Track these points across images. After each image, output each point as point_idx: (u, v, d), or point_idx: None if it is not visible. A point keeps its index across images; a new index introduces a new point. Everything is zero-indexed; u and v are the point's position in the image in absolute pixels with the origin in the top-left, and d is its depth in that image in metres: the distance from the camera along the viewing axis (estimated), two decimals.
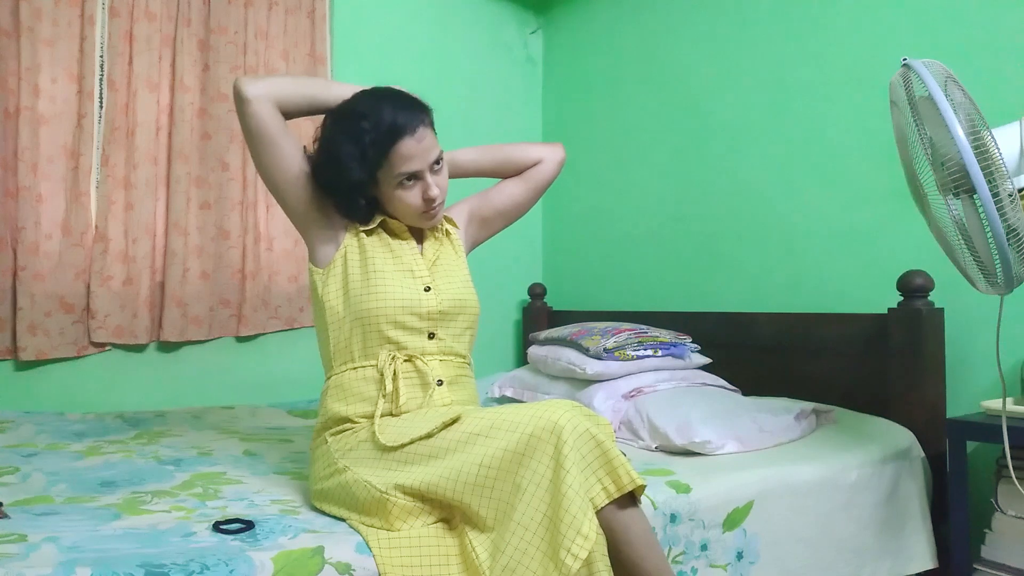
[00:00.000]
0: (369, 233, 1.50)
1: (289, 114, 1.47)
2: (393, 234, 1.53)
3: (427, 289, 1.47)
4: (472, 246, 1.71)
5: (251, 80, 1.43)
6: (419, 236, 1.58)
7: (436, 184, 1.46)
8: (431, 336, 1.47)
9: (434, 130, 1.48)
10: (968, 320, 2.00)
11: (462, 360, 1.52)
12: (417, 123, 1.41)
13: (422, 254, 1.54)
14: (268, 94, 1.42)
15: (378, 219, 1.51)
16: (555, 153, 1.74)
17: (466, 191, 1.76)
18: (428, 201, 1.46)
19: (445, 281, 1.51)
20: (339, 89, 1.50)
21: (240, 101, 1.42)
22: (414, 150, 1.41)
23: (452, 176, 1.67)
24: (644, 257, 2.99)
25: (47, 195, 2.39)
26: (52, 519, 1.26)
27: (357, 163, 1.41)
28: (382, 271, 1.44)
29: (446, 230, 1.61)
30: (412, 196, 1.45)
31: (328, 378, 1.49)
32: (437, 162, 1.46)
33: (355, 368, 1.44)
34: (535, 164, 1.71)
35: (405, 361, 1.43)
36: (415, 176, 1.44)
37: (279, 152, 1.45)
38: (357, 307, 1.42)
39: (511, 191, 1.71)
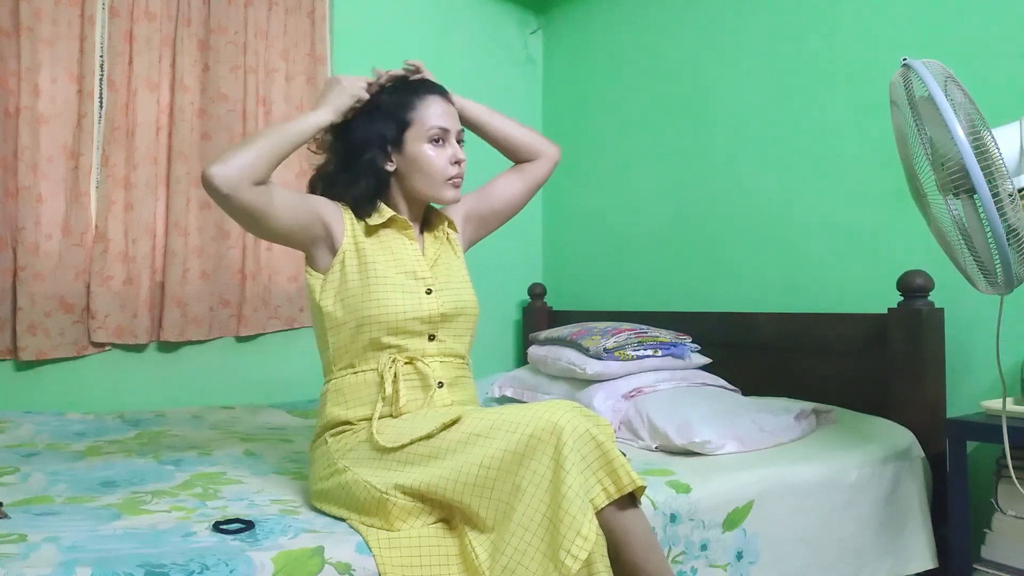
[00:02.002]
0: (369, 234, 1.48)
1: (263, 181, 1.34)
2: (398, 230, 1.51)
3: (428, 292, 1.47)
4: (468, 246, 1.71)
5: (219, 168, 1.27)
6: (420, 234, 1.58)
7: (463, 155, 1.50)
8: (431, 338, 1.46)
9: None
10: (968, 320, 2.00)
11: (461, 361, 1.52)
12: (445, 96, 1.52)
13: (423, 253, 1.53)
14: (241, 179, 1.29)
15: (387, 214, 1.49)
16: (553, 152, 1.75)
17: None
18: (454, 164, 1.48)
19: (446, 282, 1.51)
20: (306, 123, 1.41)
21: (217, 197, 1.30)
22: (445, 109, 1.50)
23: None
24: (644, 257, 2.99)
25: (47, 195, 2.39)
26: (52, 519, 1.26)
27: (388, 115, 1.46)
28: (383, 276, 1.43)
29: (446, 231, 1.61)
30: (441, 157, 1.47)
31: (327, 382, 1.48)
32: (461, 139, 1.53)
33: (355, 372, 1.44)
34: (534, 156, 1.71)
35: (406, 363, 1.42)
36: (444, 137, 1.47)
37: (272, 216, 1.37)
38: (356, 314, 1.41)
39: (508, 190, 1.71)
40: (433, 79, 1.56)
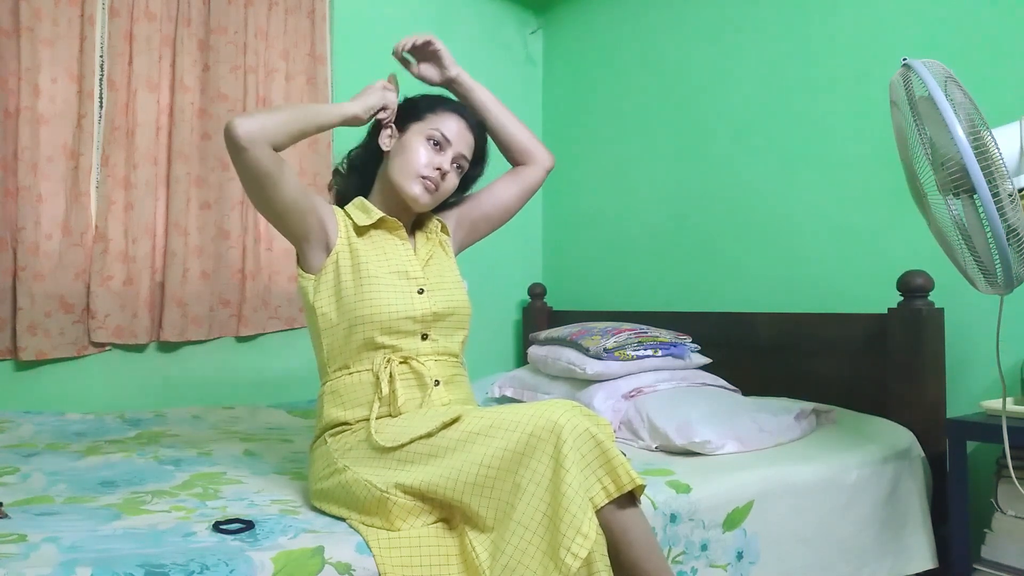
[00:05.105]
0: (360, 233, 1.49)
1: (281, 148, 1.38)
2: (389, 231, 1.52)
3: (420, 291, 1.47)
4: (459, 249, 1.71)
5: (243, 121, 1.31)
6: (412, 234, 1.59)
7: (449, 172, 1.51)
8: (424, 337, 1.47)
9: (479, 162, 1.61)
10: (968, 320, 2.00)
11: (456, 360, 1.52)
12: (471, 127, 1.55)
13: (415, 252, 1.54)
14: (263, 137, 1.32)
15: (376, 215, 1.50)
16: (547, 159, 1.74)
17: None
18: (434, 169, 1.48)
19: (438, 282, 1.51)
20: (334, 109, 1.47)
21: (235, 148, 1.31)
22: (458, 128, 1.53)
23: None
24: (644, 257, 2.99)
25: (47, 195, 2.39)
26: (52, 519, 1.26)
27: (411, 105, 1.55)
28: (375, 276, 1.43)
29: (438, 233, 1.62)
30: (425, 155, 1.48)
31: (324, 383, 1.48)
32: (460, 164, 1.54)
33: (351, 373, 1.44)
34: (527, 158, 1.71)
35: (401, 363, 1.43)
36: (441, 144, 1.50)
37: (280, 185, 1.39)
38: (350, 314, 1.42)
39: (501, 195, 1.71)
40: (443, 48, 1.62)
